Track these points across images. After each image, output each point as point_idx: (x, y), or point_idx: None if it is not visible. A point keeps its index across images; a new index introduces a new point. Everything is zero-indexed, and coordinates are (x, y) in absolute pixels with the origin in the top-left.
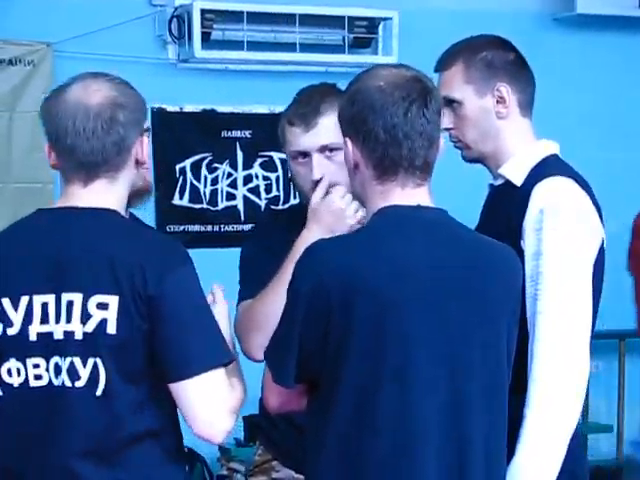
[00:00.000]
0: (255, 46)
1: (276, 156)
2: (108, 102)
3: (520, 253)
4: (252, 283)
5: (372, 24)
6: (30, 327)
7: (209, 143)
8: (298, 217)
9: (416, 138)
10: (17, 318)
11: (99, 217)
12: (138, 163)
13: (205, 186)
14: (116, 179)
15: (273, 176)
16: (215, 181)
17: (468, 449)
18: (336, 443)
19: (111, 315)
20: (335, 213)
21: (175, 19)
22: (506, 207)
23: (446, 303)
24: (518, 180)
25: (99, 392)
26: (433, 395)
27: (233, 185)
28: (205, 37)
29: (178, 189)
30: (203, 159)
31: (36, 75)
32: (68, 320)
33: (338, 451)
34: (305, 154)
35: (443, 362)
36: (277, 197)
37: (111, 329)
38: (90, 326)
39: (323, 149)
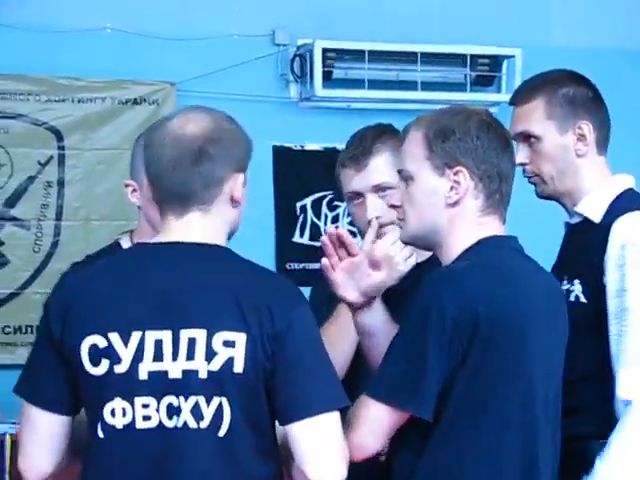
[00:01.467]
0: (377, 84)
1: None
2: (200, 134)
3: (603, 290)
4: None
5: (495, 62)
6: (141, 365)
7: (330, 181)
8: None
9: (514, 178)
10: (127, 355)
11: (211, 252)
12: (234, 201)
13: (326, 224)
14: (208, 212)
15: None
16: (336, 219)
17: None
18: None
19: (238, 353)
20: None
21: (297, 58)
22: (586, 245)
23: (553, 334)
24: (596, 217)
25: (222, 433)
26: (543, 425)
27: (353, 223)
28: (327, 76)
29: (299, 227)
30: (324, 197)
31: (160, 114)
32: (189, 357)
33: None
34: (359, 195)
35: (547, 391)
36: None
37: (238, 368)
38: (216, 364)
39: (376, 189)
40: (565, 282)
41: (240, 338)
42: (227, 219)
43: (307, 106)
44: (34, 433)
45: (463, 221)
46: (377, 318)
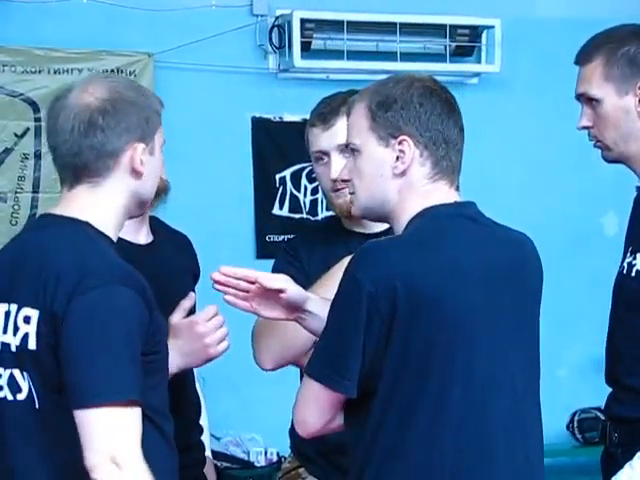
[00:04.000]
0: (356, 55)
1: None
2: (92, 105)
3: None
4: None
5: (474, 32)
6: None
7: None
8: (327, 230)
9: (463, 143)
10: None
11: (60, 227)
12: (135, 172)
13: (305, 196)
14: (99, 185)
15: None
16: (315, 191)
17: (530, 445)
18: (404, 450)
19: (32, 330)
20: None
21: (276, 29)
22: None
23: (500, 302)
24: None
25: (38, 406)
26: (498, 396)
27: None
28: (305, 46)
29: (278, 199)
30: (303, 169)
31: None
32: (5, 331)
33: (411, 459)
34: (325, 154)
35: (502, 361)
36: None
37: (32, 344)
38: (18, 339)
39: (341, 148)
40: (629, 255)
41: (34, 314)
42: (125, 191)
43: (286, 77)
44: None
45: (411, 191)
46: (320, 316)
